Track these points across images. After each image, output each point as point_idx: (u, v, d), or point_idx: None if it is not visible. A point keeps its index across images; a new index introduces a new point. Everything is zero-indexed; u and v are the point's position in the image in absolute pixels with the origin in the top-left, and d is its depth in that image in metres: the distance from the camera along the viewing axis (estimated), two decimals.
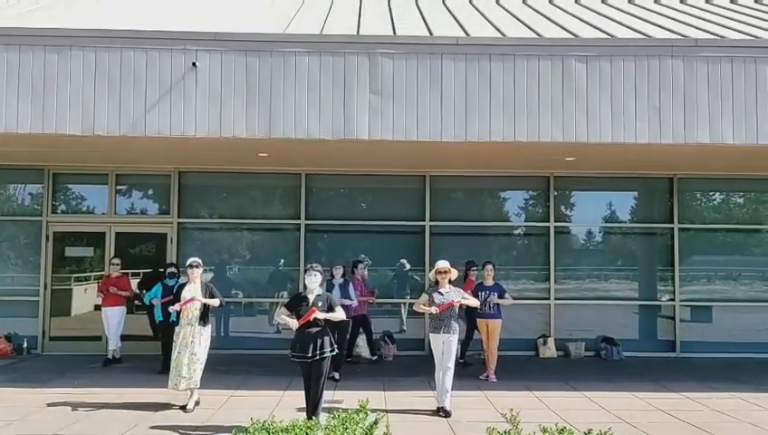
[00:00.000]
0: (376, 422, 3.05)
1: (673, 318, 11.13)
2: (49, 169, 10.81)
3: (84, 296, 10.84)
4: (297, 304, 6.35)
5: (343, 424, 2.87)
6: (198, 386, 7.11)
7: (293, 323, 6.23)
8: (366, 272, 9.99)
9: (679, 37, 8.86)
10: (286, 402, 7.29)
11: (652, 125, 7.80)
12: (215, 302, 7.18)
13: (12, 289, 10.84)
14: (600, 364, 10.24)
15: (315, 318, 6.16)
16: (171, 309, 7.27)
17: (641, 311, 11.37)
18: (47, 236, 10.76)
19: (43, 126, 7.72)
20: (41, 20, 9.29)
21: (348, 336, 9.42)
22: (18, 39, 7.76)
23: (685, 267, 11.22)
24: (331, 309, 6.33)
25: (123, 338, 9.84)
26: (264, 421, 3.13)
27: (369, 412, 3.16)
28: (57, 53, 7.74)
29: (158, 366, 8.76)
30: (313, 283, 6.33)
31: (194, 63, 7.72)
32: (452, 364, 7.08)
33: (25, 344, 10.44)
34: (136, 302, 10.03)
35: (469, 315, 9.44)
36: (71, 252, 10.97)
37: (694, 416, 7.08)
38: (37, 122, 7.70)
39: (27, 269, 10.87)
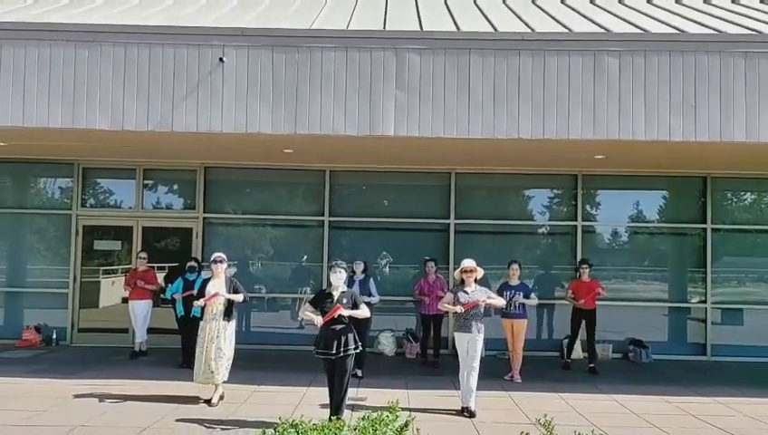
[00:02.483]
0: (406, 424, 2.98)
1: (704, 321, 10.88)
2: (79, 163, 10.96)
3: (112, 289, 10.97)
4: (322, 300, 6.33)
5: (373, 426, 2.81)
6: (224, 381, 7.13)
7: (318, 320, 6.21)
8: (434, 270, 9.83)
9: (714, 32, 8.62)
10: (309, 398, 7.29)
11: (686, 122, 7.60)
12: (239, 297, 7.17)
13: (42, 281, 11.01)
14: (628, 367, 10.04)
15: (340, 315, 6.14)
16: (196, 304, 7.29)
17: (671, 313, 11.13)
18: (77, 230, 10.91)
19: (73, 121, 7.80)
20: (70, 17, 9.38)
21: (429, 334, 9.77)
22: (49, 35, 7.85)
23: (717, 269, 10.96)
24: (355, 306, 6.30)
25: (150, 331, 9.95)
26: (294, 420, 3.08)
27: (399, 413, 3.10)
28: (87, 49, 7.81)
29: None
30: (338, 280, 6.31)
31: (221, 59, 7.73)
32: (477, 364, 6.98)
33: (54, 336, 10.61)
34: (162, 296, 10.12)
35: (578, 316, 9.60)
36: (99, 245, 11.11)
37: (726, 422, 6.90)
38: (67, 117, 7.79)
39: (57, 262, 11.02)
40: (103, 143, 9.09)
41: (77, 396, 7.29)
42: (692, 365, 10.19)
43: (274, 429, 3.07)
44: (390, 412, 3.00)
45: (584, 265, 9.70)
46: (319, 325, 6.24)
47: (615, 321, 10.63)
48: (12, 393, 7.35)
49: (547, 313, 10.90)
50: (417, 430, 3.07)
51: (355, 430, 2.80)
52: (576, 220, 10.98)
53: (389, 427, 2.80)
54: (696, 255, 11.10)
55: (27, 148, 9.83)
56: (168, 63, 7.81)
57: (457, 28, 9.07)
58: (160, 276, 10.17)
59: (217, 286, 7.11)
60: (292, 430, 2.89)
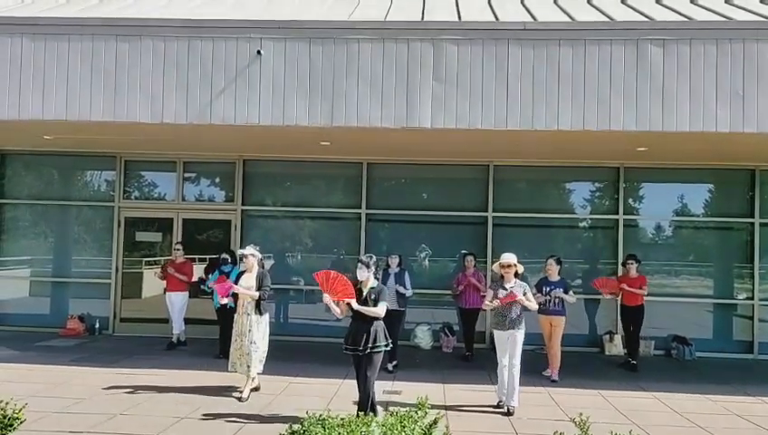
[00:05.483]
0: (435, 421, 2.93)
1: (751, 318, 10.51)
2: (121, 156, 11.18)
3: (154, 280, 11.15)
4: None
5: (401, 422, 2.76)
6: (258, 373, 7.17)
7: (337, 311, 6.15)
8: (473, 264, 9.72)
9: (764, 19, 8.27)
10: (344, 392, 7.30)
11: (734, 112, 7.33)
12: (254, 295, 7.02)
13: (86, 271, 11.30)
14: (670, 364, 9.78)
15: (348, 304, 6.02)
16: (221, 300, 7.37)
17: (716, 309, 10.79)
18: (119, 222, 11.15)
19: (115, 114, 7.96)
20: (111, 11, 9.54)
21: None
22: (92, 29, 8.02)
23: (765, 264, 10.57)
24: (375, 303, 6.10)
25: (189, 321, 10.10)
26: (321, 416, 3.05)
27: (428, 410, 3.04)
28: (128, 43, 7.95)
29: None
30: (363, 276, 6.16)
31: (258, 52, 7.77)
32: (517, 361, 6.80)
33: (97, 325, 10.88)
34: (201, 286, 10.25)
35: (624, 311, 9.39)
36: (141, 237, 11.33)
37: None
38: (109, 110, 7.95)
39: (101, 253, 11.29)
40: (144, 136, 9.25)
41: (116, 385, 7.44)
42: (737, 363, 9.88)
43: (301, 423, 3.05)
44: (419, 409, 2.94)
45: (631, 261, 9.39)
46: (337, 316, 6.21)
47: (658, 317, 10.34)
48: (54, 381, 7.56)
49: (587, 308, 10.69)
50: (447, 426, 3.02)
51: (383, 426, 2.76)
52: (618, 214, 10.72)
53: (418, 424, 2.75)
54: (743, 250, 10.72)
55: (72, 141, 10.07)
56: (207, 57, 7.89)
57: (496, 18, 8.92)
58: (200, 268, 10.30)
59: (248, 280, 7.14)
60: (319, 425, 2.87)
